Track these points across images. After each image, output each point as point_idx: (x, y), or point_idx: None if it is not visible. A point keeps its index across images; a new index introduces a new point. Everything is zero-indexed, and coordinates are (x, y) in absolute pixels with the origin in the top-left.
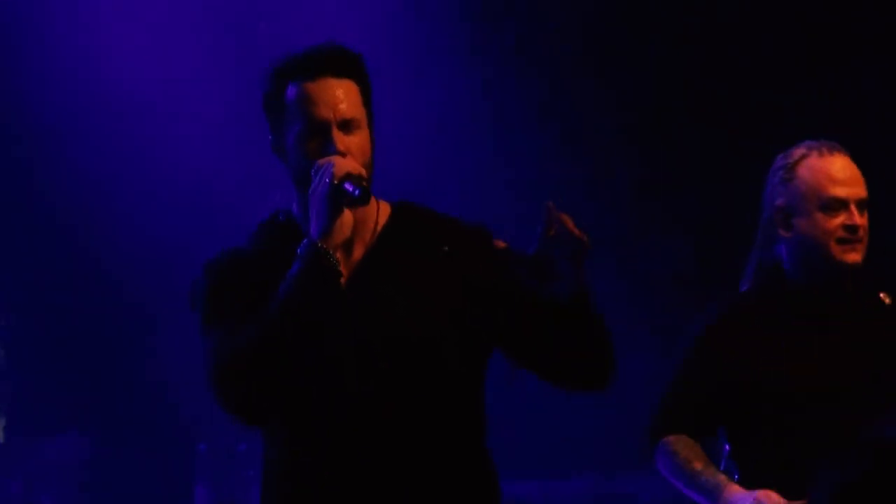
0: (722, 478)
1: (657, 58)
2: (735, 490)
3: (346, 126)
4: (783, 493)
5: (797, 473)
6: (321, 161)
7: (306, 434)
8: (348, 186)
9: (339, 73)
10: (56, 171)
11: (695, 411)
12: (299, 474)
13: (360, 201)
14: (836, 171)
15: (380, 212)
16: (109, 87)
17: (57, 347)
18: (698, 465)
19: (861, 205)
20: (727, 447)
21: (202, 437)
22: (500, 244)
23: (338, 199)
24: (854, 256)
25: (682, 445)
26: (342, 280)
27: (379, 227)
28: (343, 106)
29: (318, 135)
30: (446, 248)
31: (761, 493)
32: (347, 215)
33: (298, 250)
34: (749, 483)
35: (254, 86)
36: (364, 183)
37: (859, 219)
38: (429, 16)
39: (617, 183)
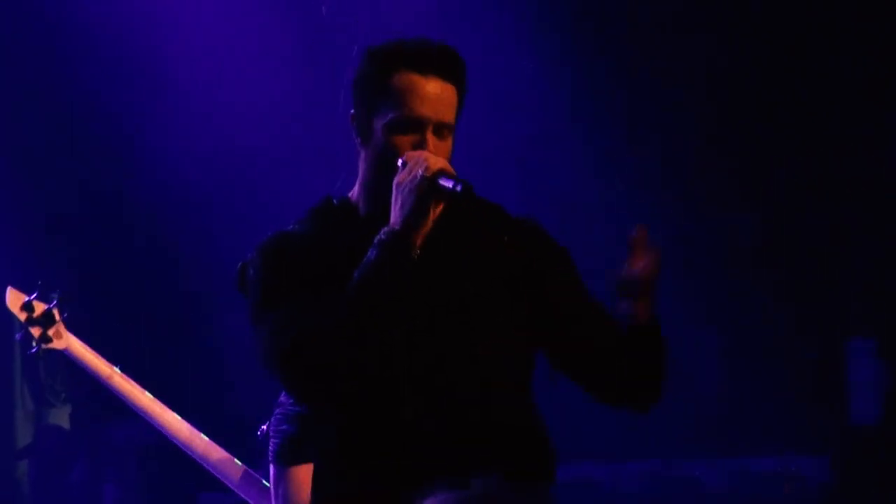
0: None
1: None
2: None
3: (441, 129)
4: None
5: None
6: (412, 153)
7: (364, 417)
8: (447, 182)
9: (448, 77)
10: (124, 165)
11: None
12: (355, 455)
13: (463, 196)
14: None
15: None
16: (184, 85)
17: (121, 335)
18: None
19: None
20: None
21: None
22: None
23: (429, 192)
24: None
25: None
26: None
27: (433, 216)
28: (444, 109)
29: (413, 129)
30: (506, 238)
31: None
32: (432, 212)
33: (377, 238)
34: None
35: (336, 76)
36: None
37: None
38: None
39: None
